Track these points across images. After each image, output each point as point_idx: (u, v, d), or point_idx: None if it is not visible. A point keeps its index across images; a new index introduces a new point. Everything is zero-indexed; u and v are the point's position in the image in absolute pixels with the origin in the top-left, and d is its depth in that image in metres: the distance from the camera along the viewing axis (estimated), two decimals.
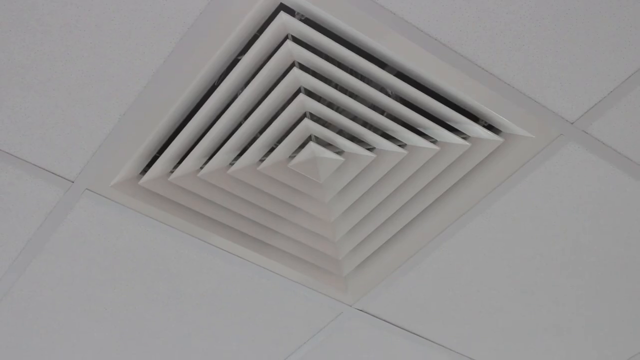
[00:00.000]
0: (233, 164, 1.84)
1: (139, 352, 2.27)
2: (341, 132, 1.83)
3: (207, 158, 1.83)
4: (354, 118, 1.81)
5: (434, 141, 1.80)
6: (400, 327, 2.20)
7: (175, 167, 1.85)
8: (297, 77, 1.66)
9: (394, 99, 1.74)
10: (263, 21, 1.58)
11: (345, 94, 1.77)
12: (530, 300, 2.11)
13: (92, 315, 2.16)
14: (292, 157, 1.85)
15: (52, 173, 1.80)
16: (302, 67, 1.71)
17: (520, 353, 2.27)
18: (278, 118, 1.73)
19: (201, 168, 1.85)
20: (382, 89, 1.75)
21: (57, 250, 1.98)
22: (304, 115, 1.78)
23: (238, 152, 1.82)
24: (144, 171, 1.85)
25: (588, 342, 2.24)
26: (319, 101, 1.76)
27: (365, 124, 1.81)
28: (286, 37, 1.62)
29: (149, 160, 1.82)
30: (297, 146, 1.81)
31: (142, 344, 2.25)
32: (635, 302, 2.12)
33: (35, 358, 2.29)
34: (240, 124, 1.79)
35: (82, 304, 2.13)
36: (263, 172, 1.83)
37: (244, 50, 1.64)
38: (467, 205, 1.89)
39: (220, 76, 1.69)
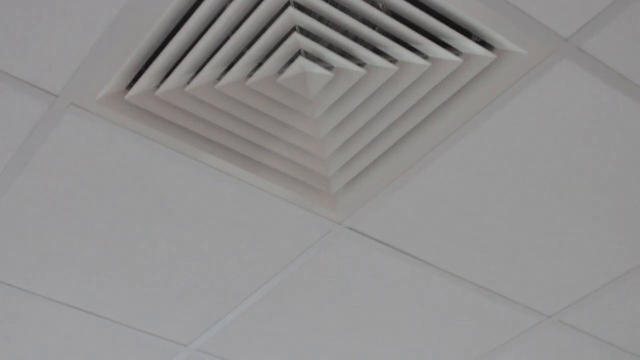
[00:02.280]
0: (220, 79, 1.81)
1: (126, 269, 2.27)
2: (331, 46, 1.79)
3: (194, 73, 1.79)
4: (345, 32, 1.77)
5: (425, 57, 1.77)
6: (389, 245, 2.19)
7: (162, 82, 1.81)
8: None
9: (385, 13, 1.70)
10: None
11: (336, 7, 1.73)
12: (520, 220, 2.11)
13: (78, 231, 2.15)
14: (281, 72, 1.82)
15: (36, 87, 1.77)
16: None
17: (509, 272, 2.28)
18: (266, 32, 1.69)
19: (188, 83, 1.81)
20: (373, 2, 1.71)
21: (42, 166, 1.96)
22: (293, 29, 1.74)
23: (225, 66, 1.78)
24: (130, 86, 1.82)
25: (578, 261, 2.24)
26: (308, 15, 1.72)
27: (356, 38, 1.77)
28: None
29: (135, 74, 1.79)
30: (286, 61, 1.78)
31: (129, 261, 2.24)
32: (625, 222, 2.12)
33: (21, 274, 2.28)
34: (227, 38, 1.75)
35: (68, 220, 2.11)
36: (251, 87, 1.80)
37: None
38: (458, 123, 1.87)
39: None
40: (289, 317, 2.43)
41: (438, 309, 2.40)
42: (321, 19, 1.75)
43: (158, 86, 1.82)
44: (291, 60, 1.80)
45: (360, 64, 1.79)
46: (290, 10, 1.65)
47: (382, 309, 2.40)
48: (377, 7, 1.71)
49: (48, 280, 2.30)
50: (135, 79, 1.80)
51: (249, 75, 1.81)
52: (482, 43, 1.74)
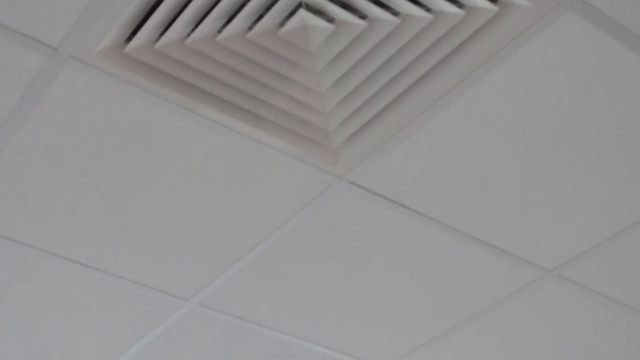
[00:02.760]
0: (221, 31, 1.79)
1: (126, 223, 2.27)
2: None
3: (194, 25, 1.77)
4: None
5: (428, 9, 1.75)
6: (391, 200, 2.19)
7: (162, 34, 1.79)
8: None
9: None
10: None
11: None
12: (521, 174, 2.10)
13: (78, 187, 2.14)
14: (282, 25, 1.80)
15: (34, 39, 1.75)
16: None
17: (510, 227, 2.27)
18: None
19: (188, 36, 1.79)
20: None
21: (42, 121, 1.95)
22: None
23: (226, 19, 1.76)
24: (129, 39, 1.80)
25: (579, 215, 2.24)
26: None
27: None
28: None
29: (134, 27, 1.77)
30: (287, 13, 1.76)
31: (129, 215, 2.24)
32: (627, 177, 2.11)
33: (22, 228, 2.28)
34: None
35: (67, 175, 2.10)
36: (252, 40, 1.78)
37: None
38: (461, 76, 1.85)
39: None
40: (291, 272, 2.44)
41: (438, 264, 2.41)
42: None
43: (158, 39, 1.80)
44: (292, 13, 1.78)
45: (362, 16, 1.77)
46: None
47: (383, 264, 2.41)
48: None
49: (48, 235, 2.30)
50: (134, 32, 1.78)
51: (250, 28, 1.79)
52: None
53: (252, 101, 1.92)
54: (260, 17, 1.78)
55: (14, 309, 2.60)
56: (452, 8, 1.71)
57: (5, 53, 1.77)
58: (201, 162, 2.07)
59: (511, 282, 2.48)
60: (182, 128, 1.97)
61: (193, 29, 1.78)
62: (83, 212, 2.23)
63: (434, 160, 2.06)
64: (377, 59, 1.83)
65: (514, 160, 2.06)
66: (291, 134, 2.00)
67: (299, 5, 1.75)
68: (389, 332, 2.70)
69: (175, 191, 2.16)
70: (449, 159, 2.06)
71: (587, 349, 2.78)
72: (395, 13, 1.76)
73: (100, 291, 2.52)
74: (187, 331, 2.70)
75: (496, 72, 1.84)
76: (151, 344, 2.77)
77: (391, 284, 2.49)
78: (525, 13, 1.71)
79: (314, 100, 1.93)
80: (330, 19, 1.78)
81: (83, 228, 2.28)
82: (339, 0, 1.77)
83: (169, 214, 2.24)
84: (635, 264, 2.40)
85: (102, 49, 1.77)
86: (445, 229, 2.28)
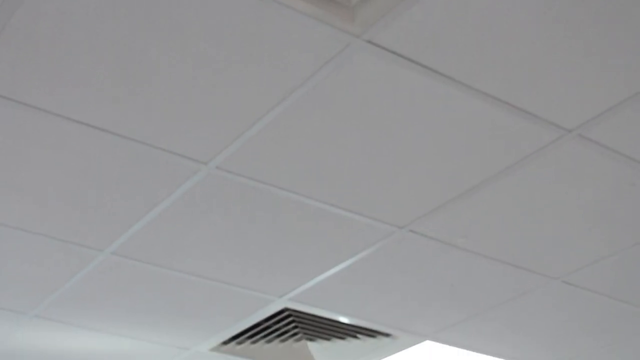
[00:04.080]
0: None
1: (142, 86, 2.24)
2: None
3: None
4: None
5: None
6: (409, 59, 2.15)
7: None
8: None
9: None
10: None
11: None
12: (542, 32, 2.05)
13: (92, 49, 2.10)
14: None
15: None
16: None
17: (530, 86, 2.24)
18: None
19: None
20: None
21: None
22: None
23: None
24: None
25: (600, 74, 2.20)
26: None
27: None
28: None
29: None
30: None
31: (145, 78, 2.21)
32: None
33: (36, 92, 2.26)
34: None
35: (82, 38, 2.07)
36: None
37: None
38: None
39: None
40: (308, 134, 2.42)
41: (458, 124, 2.38)
42: None
43: None
44: None
45: None
46: None
47: (401, 125, 2.38)
48: None
49: (63, 99, 2.28)
50: None
51: None
52: None
53: None
54: None
55: (30, 174, 2.61)
56: None
57: None
58: (217, 22, 2.03)
59: (531, 143, 2.46)
60: None
61: None
62: (97, 75, 2.20)
63: (453, 17, 2.01)
64: None
65: (536, 17, 2.01)
66: None
67: None
68: (406, 193, 2.70)
69: (191, 52, 2.12)
70: (469, 16, 2.01)
71: (607, 209, 2.78)
72: None
73: (117, 155, 2.52)
74: (205, 195, 2.71)
75: None
76: (169, 208, 2.79)
77: (408, 145, 2.47)
78: None
79: None
80: None
81: (98, 91, 2.26)
82: None
83: (185, 76, 2.21)
84: None
85: None
86: (464, 88, 2.25)
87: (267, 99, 2.29)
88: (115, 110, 2.33)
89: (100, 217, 2.83)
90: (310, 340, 3.71)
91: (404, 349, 3.82)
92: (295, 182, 2.64)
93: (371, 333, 3.67)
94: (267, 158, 2.52)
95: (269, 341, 3.75)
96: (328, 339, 3.71)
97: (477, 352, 3.85)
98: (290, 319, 3.54)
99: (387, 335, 3.68)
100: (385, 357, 3.90)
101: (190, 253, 3.05)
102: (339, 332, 3.66)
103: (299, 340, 3.71)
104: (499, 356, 3.90)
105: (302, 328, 3.60)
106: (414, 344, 3.78)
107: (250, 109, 2.32)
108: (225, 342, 3.78)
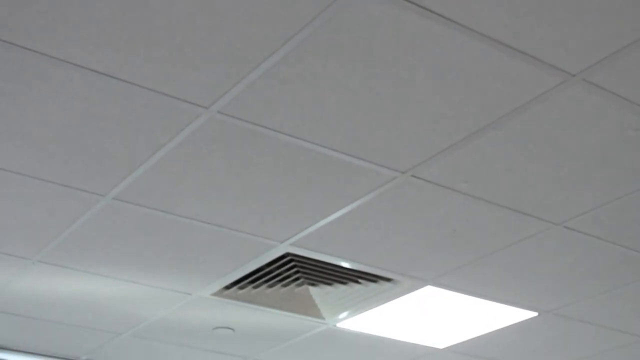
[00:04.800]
0: None
1: (143, 30, 2.22)
2: None
3: None
4: None
5: None
6: (411, 2, 2.12)
7: None
8: None
9: None
10: None
11: None
12: None
13: None
14: None
15: None
16: None
17: (533, 29, 2.21)
18: None
19: None
20: None
21: None
22: None
23: None
24: None
25: (604, 18, 2.17)
26: None
27: None
28: None
29: None
30: None
31: (146, 21, 2.19)
32: None
33: (36, 37, 2.24)
34: None
35: None
36: None
37: None
38: None
39: None
40: (309, 78, 2.40)
41: (459, 68, 2.36)
42: None
43: None
44: None
45: None
46: None
47: (403, 69, 2.37)
48: None
49: (64, 43, 2.26)
50: None
51: None
52: None
53: None
54: None
55: (31, 119, 2.60)
56: None
57: None
58: None
59: (534, 87, 2.44)
60: None
61: None
62: (98, 19, 2.18)
63: None
64: None
65: None
66: None
67: None
68: (408, 138, 2.69)
69: None
70: None
71: (610, 155, 2.77)
72: None
73: (118, 100, 2.50)
74: (206, 139, 2.70)
75: None
76: (171, 153, 2.78)
77: (410, 90, 2.46)
78: None
79: None
80: None
81: (98, 35, 2.24)
82: None
83: (185, 19, 2.18)
84: None
85: None
86: (467, 32, 2.23)
87: (269, 42, 2.27)
88: (116, 54, 2.31)
89: (101, 162, 2.83)
90: (312, 285, 3.73)
91: (405, 294, 3.84)
92: (297, 126, 2.63)
93: (373, 278, 3.69)
94: (269, 102, 2.51)
95: (271, 286, 3.77)
96: (330, 284, 3.73)
97: (478, 297, 3.87)
98: (292, 263, 3.55)
99: (388, 280, 3.70)
100: (387, 301, 3.92)
101: (192, 198, 3.05)
102: (340, 277, 3.67)
103: (300, 285, 3.73)
104: (500, 301, 3.92)
105: (304, 273, 3.62)
106: (416, 289, 3.79)
107: (251, 52, 2.30)
108: (227, 287, 3.80)
